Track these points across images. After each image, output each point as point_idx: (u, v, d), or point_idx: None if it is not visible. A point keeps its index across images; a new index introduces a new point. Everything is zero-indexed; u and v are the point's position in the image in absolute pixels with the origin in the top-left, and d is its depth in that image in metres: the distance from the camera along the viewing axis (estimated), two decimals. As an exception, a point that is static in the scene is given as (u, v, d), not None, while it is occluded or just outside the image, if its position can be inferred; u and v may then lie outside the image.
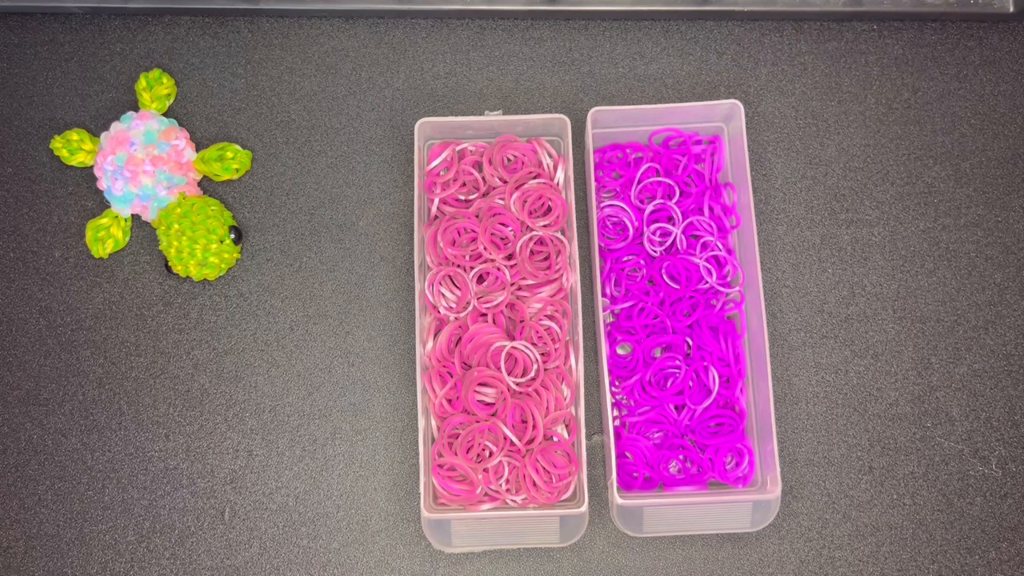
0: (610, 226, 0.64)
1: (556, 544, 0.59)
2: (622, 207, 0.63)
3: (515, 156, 0.63)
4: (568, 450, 0.59)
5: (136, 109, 0.65)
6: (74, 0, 0.66)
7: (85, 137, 0.64)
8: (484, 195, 0.63)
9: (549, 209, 0.62)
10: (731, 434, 0.60)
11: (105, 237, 0.63)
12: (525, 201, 0.61)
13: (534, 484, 0.58)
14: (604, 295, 0.62)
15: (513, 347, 0.59)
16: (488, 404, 0.59)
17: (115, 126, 0.64)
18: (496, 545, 0.59)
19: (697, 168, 0.64)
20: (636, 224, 0.63)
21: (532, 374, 0.59)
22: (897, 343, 0.64)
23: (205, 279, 0.63)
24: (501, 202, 0.62)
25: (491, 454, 0.58)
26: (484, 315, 0.61)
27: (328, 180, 0.66)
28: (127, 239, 0.64)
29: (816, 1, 0.67)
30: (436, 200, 0.63)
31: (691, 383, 0.61)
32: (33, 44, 0.68)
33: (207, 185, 0.66)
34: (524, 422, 0.59)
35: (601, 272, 0.61)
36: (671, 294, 0.62)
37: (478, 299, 0.60)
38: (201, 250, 0.62)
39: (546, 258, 0.62)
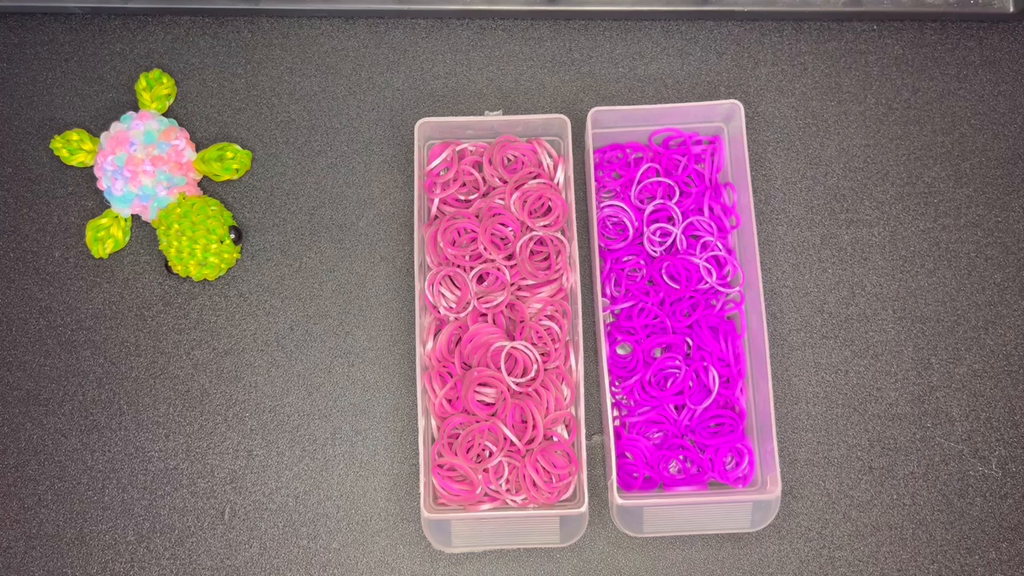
0: (610, 226, 0.64)
1: (556, 544, 0.59)
2: (622, 207, 0.63)
3: (515, 156, 0.63)
4: (568, 450, 0.59)
5: (136, 109, 0.65)
6: (74, 0, 0.66)
7: (85, 137, 0.64)
8: (484, 195, 0.63)
9: (549, 209, 0.62)
10: (731, 434, 0.60)
11: (105, 237, 0.63)
12: (525, 201, 0.62)
13: (534, 484, 0.58)
14: (604, 295, 0.62)
15: (513, 347, 0.59)
16: (488, 404, 0.59)
17: (115, 126, 0.64)
18: (496, 545, 0.59)
19: (697, 168, 0.64)
20: (636, 224, 0.63)
21: (532, 374, 0.59)
22: (897, 343, 0.64)
23: (205, 279, 0.63)
24: (501, 202, 0.62)
25: (491, 454, 0.58)
26: (484, 315, 0.61)
27: (328, 180, 0.66)
28: (127, 239, 0.64)
29: (816, 1, 0.67)
30: (436, 200, 0.63)
31: (691, 383, 0.61)
32: (33, 44, 0.68)
33: (207, 185, 0.66)
34: (524, 422, 0.59)
35: (601, 272, 0.61)
36: (671, 294, 0.62)
37: (478, 299, 0.60)
38: (201, 250, 0.62)
39: (546, 258, 0.62)
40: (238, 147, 0.65)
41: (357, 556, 0.61)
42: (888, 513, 0.61)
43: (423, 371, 0.59)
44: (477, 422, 0.58)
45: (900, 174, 0.66)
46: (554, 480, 0.58)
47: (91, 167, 0.65)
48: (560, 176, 0.62)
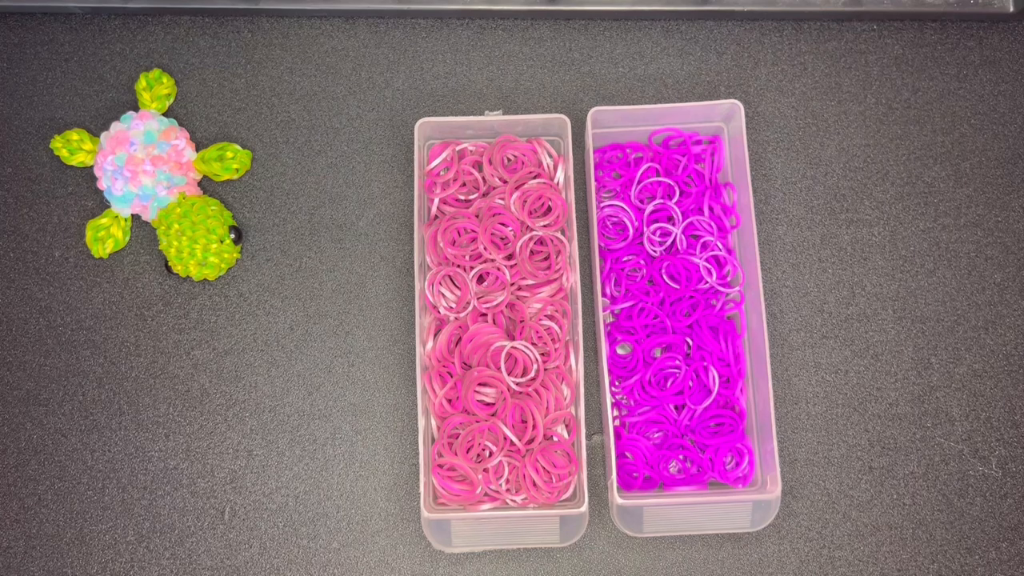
0: (610, 226, 0.64)
1: (556, 544, 0.59)
2: (622, 207, 0.63)
3: (515, 156, 0.63)
4: (568, 450, 0.59)
5: (136, 109, 0.65)
6: (74, 0, 0.66)
7: (85, 137, 0.64)
8: (484, 195, 0.63)
9: (549, 209, 0.62)
10: (731, 434, 0.60)
11: (105, 237, 0.63)
12: (525, 201, 0.61)
13: (534, 484, 0.58)
14: (604, 295, 0.62)
15: (513, 347, 0.59)
16: (488, 404, 0.59)
17: (115, 126, 0.64)
18: (496, 545, 0.59)
19: (697, 168, 0.64)
20: (636, 224, 0.63)
21: (532, 374, 0.59)
22: (897, 343, 0.64)
23: (205, 279, 0.64)
24: (501, 202, 0.62)
25: (491, 454, 0.58)
26: (484, 315, 0.61)
27: (328, 180, 0.66)
28: (127, 239, 0.64)
29: (816, 1, 0.67)
30: (436, 200, 0.63)
31: (691, 383, 0.61)
32: (33, 44, 0.68)
33: (207, 185, 0.66)
34: (524, 422, 0.59)
35: (601, 272, 0.61)
36: (671, 294, 0.62)
37: (478, 299, 0.60)
38: (201, 250, 0.62)
39: (546, 258, 0.62)
40: (238, 147, 0.65)
41: (357, 556, 0.61)
42: (888, 513, 0.61)
43: (423, 371, 0.59)
44: (477, 422, 0.58)
45: (900, 174, 0.66)
46: (554, 480, 0.58)
47: (91, 167, 0.65)
48: (560, 176, 0.62)
